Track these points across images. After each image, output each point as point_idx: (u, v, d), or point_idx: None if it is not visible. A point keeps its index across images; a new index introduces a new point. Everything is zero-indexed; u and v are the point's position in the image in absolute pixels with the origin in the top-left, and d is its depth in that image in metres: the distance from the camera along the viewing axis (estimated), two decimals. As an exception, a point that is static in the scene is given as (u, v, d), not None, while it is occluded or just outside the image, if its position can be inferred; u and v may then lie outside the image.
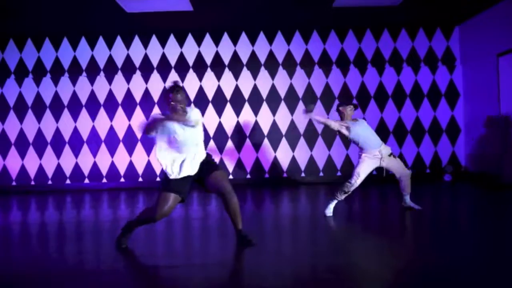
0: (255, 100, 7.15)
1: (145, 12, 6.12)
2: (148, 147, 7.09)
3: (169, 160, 3.07)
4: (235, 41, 7.16)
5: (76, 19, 6.42)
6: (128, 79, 7.14)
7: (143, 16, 6.27)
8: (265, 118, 7.16)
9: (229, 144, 7.15)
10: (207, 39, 7.16)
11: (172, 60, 7.14)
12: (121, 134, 7.14)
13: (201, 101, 7.10)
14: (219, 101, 7.15)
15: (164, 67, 7.14)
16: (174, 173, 3.05)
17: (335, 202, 4.21)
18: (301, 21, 6.86)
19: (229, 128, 7.14)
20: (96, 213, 5.03)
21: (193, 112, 3.08)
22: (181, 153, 3.07)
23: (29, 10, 5.93)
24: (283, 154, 7.14)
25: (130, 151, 7.13)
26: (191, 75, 7.15)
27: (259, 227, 3.96)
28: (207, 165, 3.17)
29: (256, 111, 7.15)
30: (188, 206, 5.17)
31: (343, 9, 6.26)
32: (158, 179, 7.11)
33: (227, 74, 7.15)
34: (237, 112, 7.15)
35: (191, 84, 7.13)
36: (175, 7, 5.92)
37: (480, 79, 6.61)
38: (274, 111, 7.15)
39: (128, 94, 7.15)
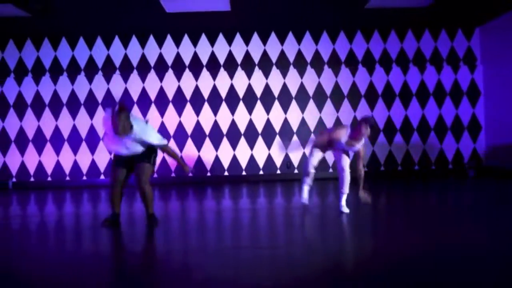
0: (285, 98, 7.38)
1: (183, 12, 6.33)
2: (182, 143, 7.29)
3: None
4: (264, 40, 7.39)
5: (114, 19, 6.58)
6: (161, 77, 7.33)
7: (180, 16, 6.46)
8: (294, 116, 7.39)
9: (260, 140, 7.37)
10: (238, 38, 7.38)
11: (204, 59, 7.35)
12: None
13: (232, 99, 7.33)
14: (250, 99, 7.37)
15: (195, 66, 7.34)
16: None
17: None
18: (329, 22, 7.10)
19: (259, 125, 7.37)
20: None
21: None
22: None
23: (68, 10, 6.08)
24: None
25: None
26: (222, 74, 7.36)
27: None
28: (146, 154, 3.87)
29: (285, 109, 7.38)
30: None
31: (371, 10, 6.51)
32: (190, 174, 7.32)
33: (257, 73, 7.38)
34: (267, 110, 7.37)
35: (223, 82, 7.34)
36: (214, 7, 6.13)
37: (502, 78, 6.91)
38: (303, 109, 7.39)
39: (161, 92, 7.34)
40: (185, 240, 3.41)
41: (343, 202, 4.25)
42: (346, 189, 4.23)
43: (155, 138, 3.76)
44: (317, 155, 4.43)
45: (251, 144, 7.38)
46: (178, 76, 7.36)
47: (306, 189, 4.57)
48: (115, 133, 3.49)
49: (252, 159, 7.39)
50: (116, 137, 3.63)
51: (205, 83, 7.36)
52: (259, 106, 7.38)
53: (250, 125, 7.37)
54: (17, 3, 5.67)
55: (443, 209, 4.45)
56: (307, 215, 4.26)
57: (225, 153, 7.37)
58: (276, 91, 7.39)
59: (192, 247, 3.17)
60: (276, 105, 7.39)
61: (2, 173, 7.32)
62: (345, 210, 4.22)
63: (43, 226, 4.16)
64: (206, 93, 7.35)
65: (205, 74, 7.36)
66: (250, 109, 7.37)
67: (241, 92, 7.37)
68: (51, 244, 3.43)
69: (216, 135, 7.37)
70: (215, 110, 7.34)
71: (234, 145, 7.38)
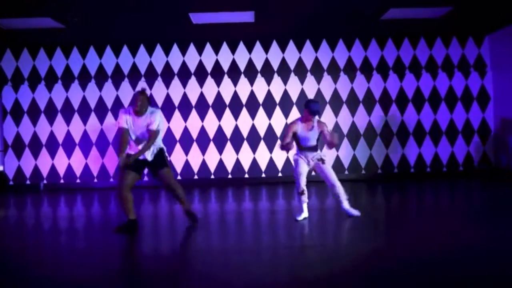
0: (303, 103, 7.70)
1: (208, 23, 6.66)
2: (219, 145, 7.65)
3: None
4: (283, 48, 7.73)
5: (141, 29, 6.91)
6: (184, 84, 7.69)
7: (204, 26, 6.80)
8: (311, 120, 7.72)
9: (277, 143, 7.71)
10: (258, 46, 7.72)
11: (225, 66, 7.70)
12: (177, 135, 7.68)
13: (252, 105, 7.68)
14: (269, 105, 7.71)
15: (217, 73, 7.70)
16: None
17: (305, 205, 4.42)
18: (345, 31, 7.43)
19: (278, 130, 7.72)
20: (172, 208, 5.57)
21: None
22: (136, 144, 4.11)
23: (97, 21, 6.41)
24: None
25: (187, 151, 7.69)
26: (243, 80, 7.71)
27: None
28: (161, 159, 4.11)
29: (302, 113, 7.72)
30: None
31: (386, 21, 6.84)
32: (213, 176, 7.67)
33: (276, 79, 7.72)
34: (286, 114, 7.72)
35: (243, 89, 7.69)
36: (239, 19, 6.46)
37: (511, 83, 7.23)
38: (320, 113, 7.72)
39: (184, 98, 7.69)
40: (259, 235, 3.76)
41: (348, 207, 4.38)
42: (344, 196, 4.37)
43: (157, 123, 4.02)
44: (303, 168, 4.41)
45: (271, 147, 7.72)
46: (201, 83, 7.71)
47: (305, 206, 4.43)
48: (134, 110, 3.97)
49: (271, 162, 7.74)
50: (133, 120, 3.99)
51: (227, 88, 7.71)
52: (277, 111, 7.72)
53: (269, 129, 7.72)
54: (55, 16, 6.04)
55: (469, 207, 4.78)
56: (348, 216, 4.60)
57: (246, 156, 7.73)
58: (294, 97, 7.73)
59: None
60: (294, 110, 7.73)
61: (34, 176, 7.70)
62: (355, 212, 4.37)
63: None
64: (227, 99, 7.70)
65: (226, 81, 7.70)
66: (269, 114, 7.72)
67: (261, 98, 7.71)
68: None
69: (236, 139, 7.73)
70: (235, 115, 7.69)
71: (254, 149, 7.73)
